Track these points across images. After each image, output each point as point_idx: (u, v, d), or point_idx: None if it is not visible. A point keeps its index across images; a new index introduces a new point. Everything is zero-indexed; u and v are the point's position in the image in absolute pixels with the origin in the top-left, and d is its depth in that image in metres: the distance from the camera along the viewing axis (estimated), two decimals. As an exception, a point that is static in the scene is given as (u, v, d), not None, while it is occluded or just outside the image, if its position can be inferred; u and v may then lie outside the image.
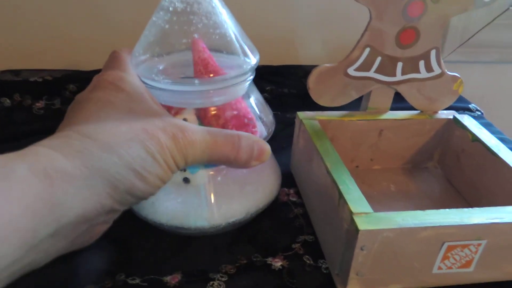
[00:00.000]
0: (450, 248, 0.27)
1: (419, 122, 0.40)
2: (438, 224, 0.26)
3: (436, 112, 0.41)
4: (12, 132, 0.48)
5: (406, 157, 0.42)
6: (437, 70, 0.38)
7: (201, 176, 0.32)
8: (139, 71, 0.29)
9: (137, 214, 0.33)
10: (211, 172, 0.33)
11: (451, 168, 0.41)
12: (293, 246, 0.33)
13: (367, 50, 0.36)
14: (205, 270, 0.31)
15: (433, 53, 0.37)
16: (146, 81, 0.29)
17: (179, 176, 0.32)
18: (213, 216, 0.32)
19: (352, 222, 0.26)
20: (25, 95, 0.54)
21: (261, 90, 0.56)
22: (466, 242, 0.27)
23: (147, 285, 0.29)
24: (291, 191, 0.40)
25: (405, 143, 0.41)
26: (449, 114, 0.40)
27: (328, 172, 0.31)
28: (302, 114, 0.38)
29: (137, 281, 0.30)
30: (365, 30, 0.35)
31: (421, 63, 0.37)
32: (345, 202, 0.28)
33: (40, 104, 0.53)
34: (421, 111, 0.41)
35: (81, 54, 0.60)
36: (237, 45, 0.31)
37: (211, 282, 0.30)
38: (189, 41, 0.30)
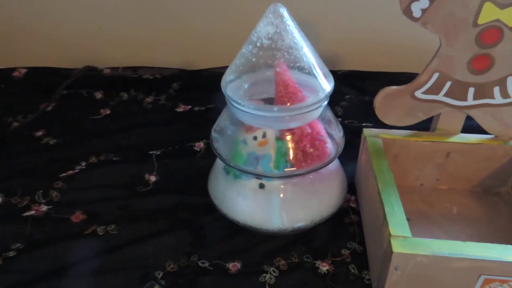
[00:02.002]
0: (487, 282, 0.28)
1: (491, 147, 0.39)
2: (475, 257, 0.27)
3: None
4: (126, 123, 0.58)
5: (476, 180, 0.41)
6: (514, 97, 0.37)
7: (275, 184, 0.37)
8: (227, 93, 0.35)
9: (219, 209, 0.39)
10: (283, 184, 0.37)
11: (524, 197, 0.39)
12: (343, 252, 0.37)
13: (436, 75, 0.37)
14: (261, 263, 0.36)
15: (510, 80, 0.36)
16: (233, 103, 0.35)
17: (256, 182, 0.37)
18: (281, 222, 0.37)
19: (389, 243, 0.29)
20: (139, 91, 0.64)
21: (340, 99, 0.59)
22: (506, 278, 0.28)
23: (213, 270, 0.36)
24: (353, 197, 0.43)
25: (474, 167, 0.40)
26: (527, 141, 0.39)
27: (378, 193, 0.33)
28: (367, 131, 0.41)
29: (206, 264, 0.36)
30: (434, 55, 0.36)
31: (496, 89, 0.37)
32: (387, 224, 0.30)
33: (149, 99, 0.63)
34: (495, 136, 0.40)
35: (190, 55, 0.68)
36: (315, 75, 0.35)
37: (264, 275, 0.35)
38: (272, 65, 0.34)
